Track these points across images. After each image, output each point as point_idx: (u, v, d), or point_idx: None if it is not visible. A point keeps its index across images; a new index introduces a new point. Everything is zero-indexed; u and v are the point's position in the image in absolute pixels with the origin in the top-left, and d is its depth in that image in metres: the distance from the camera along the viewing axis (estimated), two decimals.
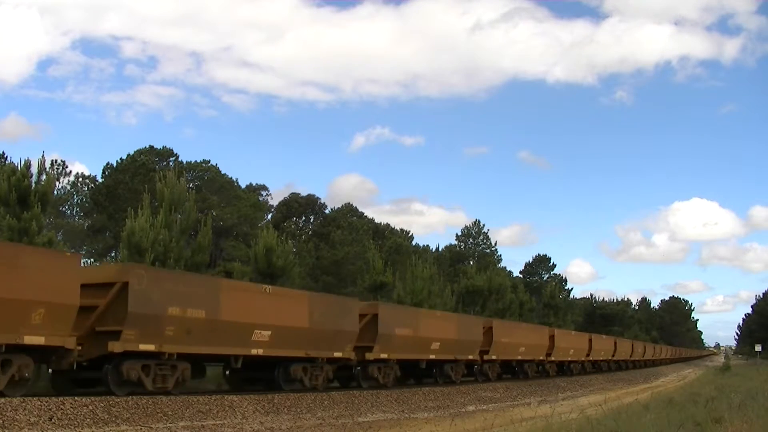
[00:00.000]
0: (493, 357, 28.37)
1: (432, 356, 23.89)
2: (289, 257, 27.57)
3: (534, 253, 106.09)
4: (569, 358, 38.40)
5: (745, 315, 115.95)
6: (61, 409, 11.81)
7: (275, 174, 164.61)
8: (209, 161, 57.17)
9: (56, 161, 50.29)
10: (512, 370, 31.90)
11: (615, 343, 49.44)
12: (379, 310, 21.06)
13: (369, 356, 20.48)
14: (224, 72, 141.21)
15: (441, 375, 25.10)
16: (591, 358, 42.30)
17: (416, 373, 25.03)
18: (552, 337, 35.03)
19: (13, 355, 11.95)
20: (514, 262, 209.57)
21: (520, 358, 31.39)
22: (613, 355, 47.96)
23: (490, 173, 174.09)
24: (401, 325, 21.91)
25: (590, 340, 42.09)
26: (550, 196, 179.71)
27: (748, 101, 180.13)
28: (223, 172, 57.18)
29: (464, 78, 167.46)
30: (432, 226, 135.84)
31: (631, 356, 54.64)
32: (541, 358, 33.89)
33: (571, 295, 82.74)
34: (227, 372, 18.59)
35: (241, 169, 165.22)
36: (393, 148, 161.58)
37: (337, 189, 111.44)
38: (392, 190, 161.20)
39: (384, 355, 21.09)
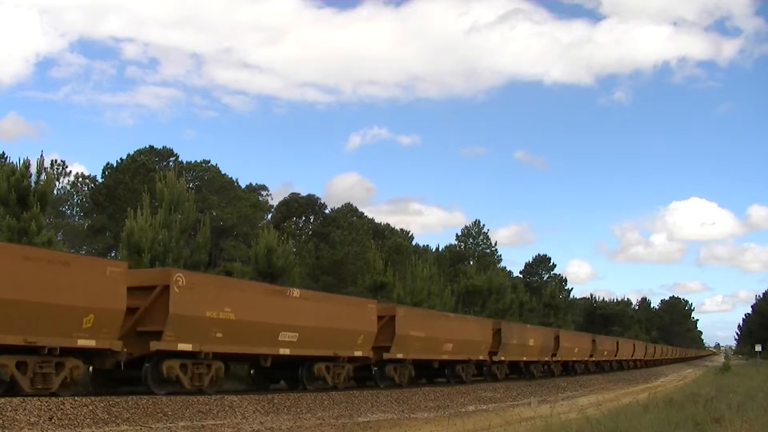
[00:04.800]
0: (502, 358, 29.00)
1: (445, 357, 24.68)
2: (289, 257, 27.58)
3: (532, 253, 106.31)
4: (574, 358, 38.99)
5: (745, 315, 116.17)
6: (61, 409, 11.81)
7: (273, 173, 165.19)
8: (209, 161, 57.23)
9: (56, 161, 50.35)
10: (519, 371, 32.29)
11: (617, 343, 49.85)
12: (397, 312, 21.87)
13: (386, 356, 21.41)
14: (224, 73, 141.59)
15: (452, 375, 25.73)
16: (594, 358, 42.72)
17: (429, 373, 25.67)
18: (557, 338, 35.51)
19: (65, 357, 12.80)
20: (513, 262, 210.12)
21: (526, 358, 32.00)
22: (615, 355, 48.35)
23: (488, 173, 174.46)
24: (416, 327, 22.62)
25: (593, 341, 42.70)
26: (548, 197, 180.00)
27: (746, 102, 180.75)
28: (223, 172, 57.24)
29: (463, 79, 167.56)
30: (430, 226, 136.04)
31: (632, 356, 54.88)
32: (547, 358, 34.42)
33: (571, 295, 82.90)
34: (252, 371, 19.59)
35: (240, 169, 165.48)
36: (391, 147, 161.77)
37: (335, 188, 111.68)
38: (390, 190, 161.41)
39: (400, 356, 21.97)
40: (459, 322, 26.26)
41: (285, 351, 17.35)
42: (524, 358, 31.70)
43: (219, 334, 15.31)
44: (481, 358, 27.18)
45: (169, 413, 13.33)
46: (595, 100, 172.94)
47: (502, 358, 28.98)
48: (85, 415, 11.99)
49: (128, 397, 13.43)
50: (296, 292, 18.27)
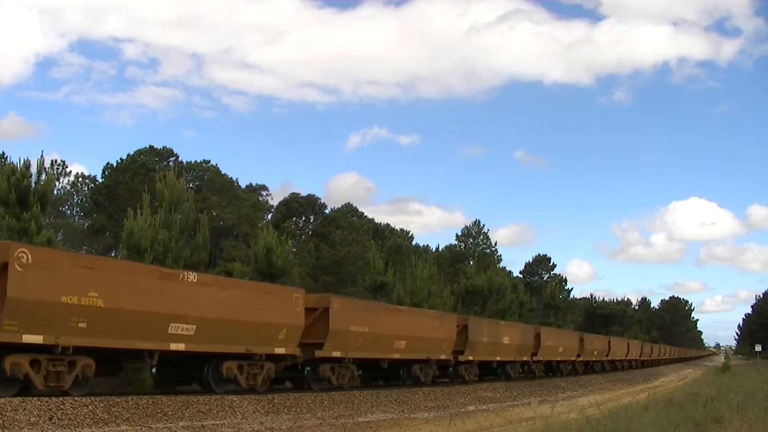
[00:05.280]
0: (470, 357, 26.15)
1: (396, 356, 21.83)
2: (288, 257, 27.56)
3: (532, 253, 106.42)
4: (558, 358, 36.44)
5: (745, 315, 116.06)
6: (61, 409, 11.81)
7: (272, 173, 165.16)
8: (209, 161, 57.31)
9: (56, 161, 50.45)
10: (493, 372, 29.66)
11: (609, 342, 47.08)
12: (331, 304, 19.07)
13: (319, 354, 18.77)
14: (224, 73, 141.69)
15: (408, 376, 23.12)
16: (582, 358, 40.12)
17: (381, 374, 23.27)
18: (538, 336, 33.03)
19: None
20: (512, 261, 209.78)
21: (499, 358, 29.10)
22: (607, 355, 45.85)
23: (488, 173, 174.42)
24: (357, 321, 19.85)
25: (581, 340, 40.10)
26: (547, 196, 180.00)
27: (746, 102, 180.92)
28: (223, 172, 57.28)
29: (463, 79, 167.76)
30: (430, 226, 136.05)
31: (626, 356, 52.50)
32: (525, 358, 31.84)
33: (571, 296, 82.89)
34: (153, 370, 17.68)
35: (240, 169, 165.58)
36: (390, 147, 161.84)
37: (335, 188, 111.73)
38: (390, 190, 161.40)
39: (337, 354, 19.24)
40: (413, 317, 23.06)
41: (178, 346, 14.61)
42: (497, 358, 28.85)
43: (82, 324, 12.76)
44: (443, 357, 24.21)
45: (169, 413, 13.33)
46: (594, 100, 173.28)
47: (470, 358, 26.15)
48: (85, 415, 11.99)
49: (128, 397, 13.43)
50: (193, 276, 15.31)
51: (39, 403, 11.61)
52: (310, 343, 18.32)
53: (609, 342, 47.74)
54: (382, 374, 23.20)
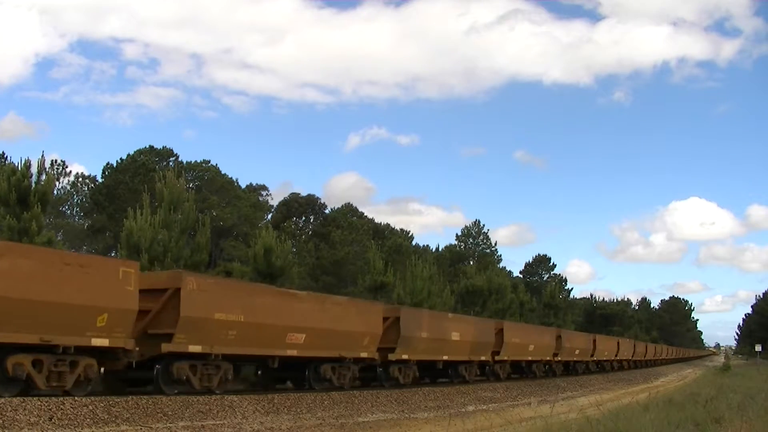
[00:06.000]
0: (504, 357, 28.87)
1: (447, 357, 24.52)
2: (288, 257, 27.58)
3: (532, 253, 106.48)
4: (575, 358, 38.50)
5: (745, 315, 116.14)
6: (61, 409, 11.80)
7: (272, 173, 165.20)
8: (209, 161, 57.31)
9: (56, 161, 50.43)
10: (521, 370, 32.22)
11: (618, 343, 48.96)
12: (401, 314, 21.83)
13: (391, 357, 21.28)
14: (224, 74, 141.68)
15: (456, 375, 25.57)
16: (595, 358, 42.16)
17: (432, 374, 25.45)
18: (559, 338, 35.23)
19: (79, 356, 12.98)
20: (512, 261, 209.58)
21: (529, 358, 31.87)
22: (616, 355, 47.52)
23: (488, 173, 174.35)
24: (421, 328, 22.58)
25: (594, 341, 42.04)
26: (547, 196, 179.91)
27: (746, 102, 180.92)
28: (223, 172, 57.28)
29: (463, 79, 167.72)
30: (430, 226, 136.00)
31: (633, 356, 53.95)
32: (548, 358, 34.23)
33: (571, 295, 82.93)
34: (258, 372, 19.70)
35: (240, 169, 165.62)
36: (390, 147, 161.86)
37: (334, 188, 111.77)
38: (390, 190, 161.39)
39: (405, 356, 21.89)
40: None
41: (292, 352, 17.53)
42: (527, 358, 31.77)
43: (231, 336, 15.70)
44: (483, 358, 27.21)
45: (169, 413, 13.33)
46: (594, 100, 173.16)
47: (505, 358, 29.08)
48: (85, 415, 11.99)
49: (128, 397, 13.42)
50: (303, 293, 18.68)
51: (39, 403, 11.61)
52: (383, 347, 20.81)
53: (618, 343, 47.60)
54: (432, 374, 24.99)
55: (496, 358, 28.60)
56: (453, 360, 25.34)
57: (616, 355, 47.61)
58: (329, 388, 18.86)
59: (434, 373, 25.39)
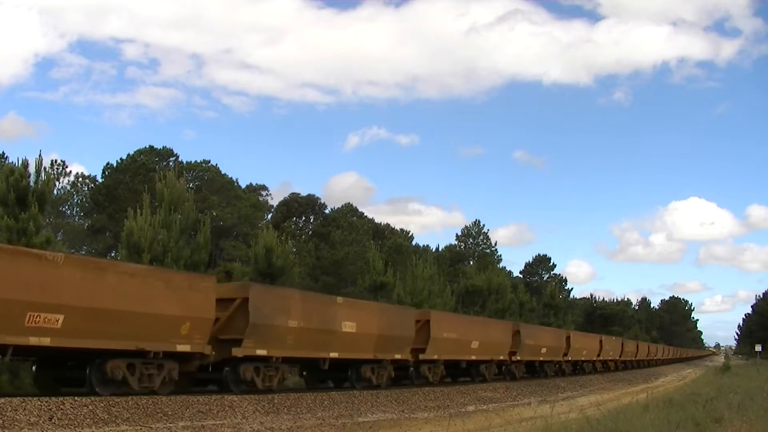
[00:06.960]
0: (519, 358, 30.60)
1: (472, 357, 26.22)
2: (288, 257, 27.56)
3: (531, 253, 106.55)
4: (583, 358, 40.32)
5: (745, 315, 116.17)
6: (61, 409, 11.80)
7: (272, 173, 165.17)
8: (209, 161, 57.22)
9: (56, 161, 50.27)
10: (534, 370, 33.65)
11: (622, 343, 50.44)
12: (431, 317, 23.59)
13: (422, 357, 22.96)
14: (224, 74, 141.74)
15: (477, 374, 27.25)
16: (601, 358, 43.76)
17: (456, 373, 26.93)
18: (568, 339, 36.91)
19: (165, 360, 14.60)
20: (513, 262, 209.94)
21: (542, 358, 33.61)
22: (620, 355, 48.96)
23: (488, 173, 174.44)
24: (448, 329, 24.34)
25: (601, 341, 43.71)
26: (547, 196, 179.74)
27: (746, 102, 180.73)
28: (223, 172, 57.21)
29: (462, 79, 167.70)
30: (430, 226, 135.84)
31: (635, 356, 55.31)
32: (559, 359, 35.93)
33: (571, 295, 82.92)
34: (303, 373, 20.94)
35: (240, 169, 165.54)
36: (390, 147, 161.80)
37: (334, 188, 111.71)
38: (389, 190, 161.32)
39: (435, 356, 23.61)
40: (485, 325, 28.34)
41: (335, 354, 19.08)
42: (540, 358, 33.48)
43: (289, 341, 17.33)
44: (501, 357, 28.95)
45: (169, 413, 13.32)
46: (594, 100, 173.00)
47: (520, 358, 30.86)
48: (85, 415, 11.99)
49: (128, 397, 13.43)
50: (340, 299, 20.31)
51: (39, 403, 11.61)
52: (415, 348, 22.54)
53: (622, 343, 49.54)
54: (456, 373, 26.72)
55: (513, 358, 30.48)
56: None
57: (620, 355, 49.73)
58: (367, 387, 20.54)
59: (457, 372, 27.12)
